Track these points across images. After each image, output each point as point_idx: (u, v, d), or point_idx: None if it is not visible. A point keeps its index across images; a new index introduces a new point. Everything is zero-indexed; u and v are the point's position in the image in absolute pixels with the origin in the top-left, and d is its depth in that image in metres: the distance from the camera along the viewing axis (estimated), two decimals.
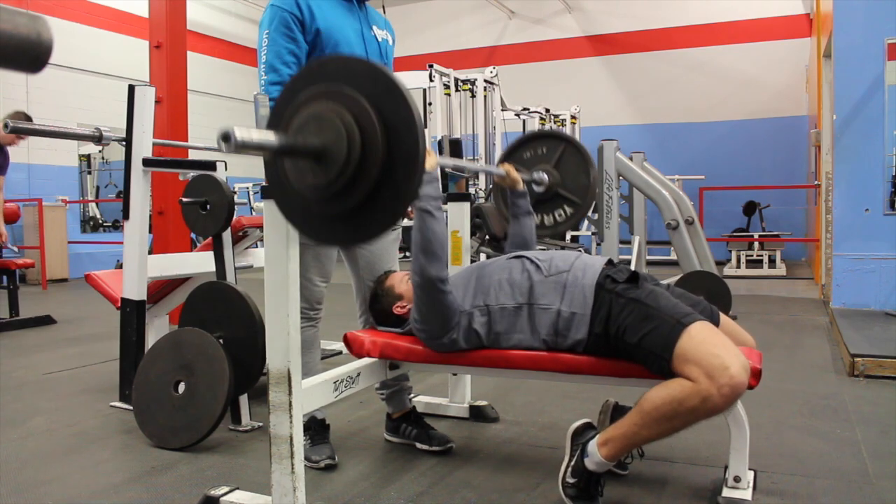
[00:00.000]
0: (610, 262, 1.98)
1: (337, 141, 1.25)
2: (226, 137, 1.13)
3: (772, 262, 8.31)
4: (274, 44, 2.08)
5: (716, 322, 1.93)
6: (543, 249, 2.17)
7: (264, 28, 2.11)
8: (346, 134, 1.24)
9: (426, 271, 1.86)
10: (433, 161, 1.91)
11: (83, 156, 9.49)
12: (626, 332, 1.73)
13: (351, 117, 1.25)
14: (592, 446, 1.75)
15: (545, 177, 2.57)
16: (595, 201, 3.06)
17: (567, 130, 9.06)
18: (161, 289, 3.30)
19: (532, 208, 2.45)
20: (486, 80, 7.04)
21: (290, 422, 1.64)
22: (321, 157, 1.26)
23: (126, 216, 2.88)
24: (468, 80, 6.88)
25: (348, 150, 1.24)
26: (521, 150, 2.67)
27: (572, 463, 1.79)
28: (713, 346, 1.60)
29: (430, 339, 1.97)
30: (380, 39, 2.29)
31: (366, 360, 2.06)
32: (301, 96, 1.33)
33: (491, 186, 7.10)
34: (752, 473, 1.94)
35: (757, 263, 8.39)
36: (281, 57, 2.08)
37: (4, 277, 5.27)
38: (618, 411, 2.10)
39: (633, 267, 4.65)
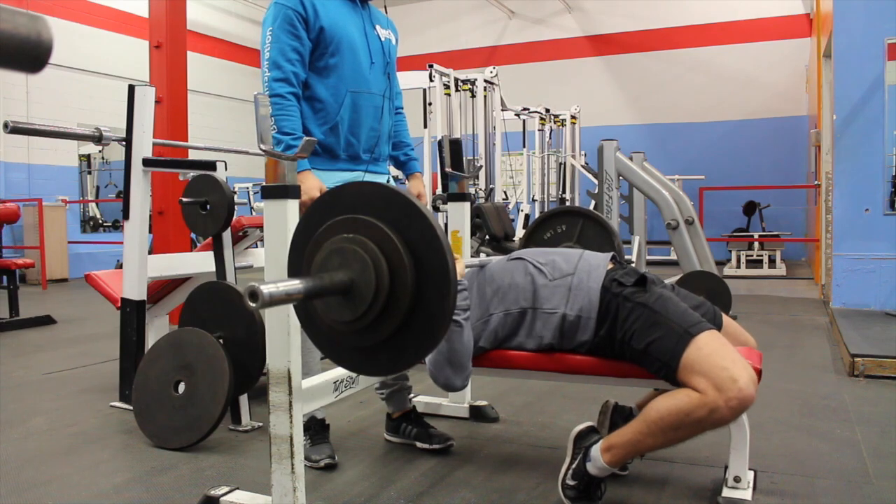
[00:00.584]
0: (614, 258, 1.96)
1: (364, 274, 1.20)
2: (253, 296, 1.09)
3: (772, 262, 8.32)
4: (277, 41, 2.08)
5: (719, 324, 1.92)
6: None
7: (268, 25, 2.11)
8: (372, 266, 1.20)
9: (451, 382, 1.81)
10: (461, 269, 1.87)
11: (83, 156, 9.50)
12: (633, 338, 1.71)
13: (375, 246, 1.21)
14: (595, 451, 1.75)
15: None
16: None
17: (567, 130, 9.06)
18: (161, 289, 3.30)
19: None
20: (486, 80, 7.03)
21: (290, 422, 1.64)
22: (348, 293, 1.22)
23: (126, 216, 2.88)
24: (468, 80, 6.88)
25: (376, 283, 1.20)
26: (539, 231, 2.67)
27: (573, 465, 1.79)
28: (721, 359, 1.59)
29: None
30: (383, 39, 2.29)
31: None
32: (320, 230, 1.28)
33: (492, 187, 7.11)
34: (752, 473, 1.94)
35: (757, 263, 8.39)
36: (285, 54, 2.08)
37: (4, 277, 5.27)
38: (617, 412, 2.10)
39: (634, 266, 4.65)
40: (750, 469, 1.91)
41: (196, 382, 2.39)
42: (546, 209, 8.84)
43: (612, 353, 1.79)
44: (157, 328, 3.29)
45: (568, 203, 9.08)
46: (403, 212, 1.23)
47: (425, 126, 6.65)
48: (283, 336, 1.64)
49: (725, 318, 1.98)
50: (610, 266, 1.90)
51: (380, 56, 2.26)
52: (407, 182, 2.49)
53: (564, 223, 2.62)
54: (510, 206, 7.73)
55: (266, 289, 1.11)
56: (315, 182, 2.08)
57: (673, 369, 1.63)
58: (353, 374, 1.95)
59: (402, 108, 2.49)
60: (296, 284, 1.18)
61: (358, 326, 1.25)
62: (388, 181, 2.46)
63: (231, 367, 2.35)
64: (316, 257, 1.27)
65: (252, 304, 1.10)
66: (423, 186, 2.49)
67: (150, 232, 3.25)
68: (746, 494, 1.83)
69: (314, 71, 2.16)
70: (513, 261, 1.99)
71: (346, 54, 2.16)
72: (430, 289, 1.21)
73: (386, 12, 2.44)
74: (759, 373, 1.69)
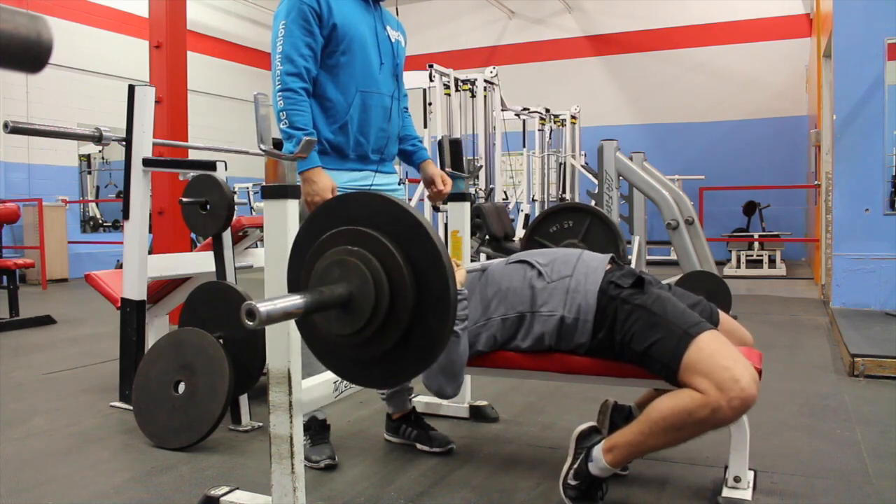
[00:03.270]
0: (613, 259, 1.97)
1: (363, 288, 1.19)
2: (250, 315, 1.08)
3: (772, 262, 8.32)
4: (290, 35, 2.07)
5: (716, 321, 1.92)
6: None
7: (281, 19, 2.10)
8: (372, 280, 1.19)
9: (444, 391, 1.83)
10: (461, 278, 1.87)
11: (83, 156, 9.49)
12: (633, 340, 1.71)
13: (376, 261, 1.19)
14: (597, 451, 1.75)
15: None
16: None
17: (567, 130, 9.06)
18: (161, 289, 3.30)
19: None
20: (486, 80, 7.03)
21: (290, 422, 1.64)
22: (347, 306, 1.21)
23: (126, 216, 2.88)
24: (468, 80, 6.88)
25: (376, 298, 1.19)
26: (546, 224, 2.66)
27: (575, 465, 1.79)
28: (723, 358, 1.59)
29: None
30: (393, 40, 2.28)
31: None
32: (324, 237, 1.27)
33: (492, 187, 7.11)
34: (752, 473, 1.94)
35: (757, 263, 8.39)
36: (297, 48, 2.07)
37: (4, 277, 5.27)
38: (617, 411, 2.10)
39: (632, 267, 4.65)
40: (750, 469, 1.91)
41: (196, 382, 2.39)
42: (545, 209, 8.83)
43: (612, 355, 1.80)
44: (157, 328, 3.29)
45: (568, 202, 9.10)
46: (410, 230, 1.21)
47: (425, 126, 6.64)
48: (283, 336, 1.64)
49: (722, 316, 1.98)
50: (608, 267, 1.90)
51: (389, 57, 2.25)
52: (420, 170, 2.45)
53: (572, 219, 2.62)
54: (510, 207, 7.73)
55: (263, 307, 1.09)
56: (328, 182, 2.05)
57: (674, 370, 1.63)
58: None
59: (408, 108, 2.48)
60: (294, 301, 1.17)
61: (355, 341, 1.24)
62: (398, 183, 2.46)
63: (231, 367, 2.35)
64: (317, 265, 1.26)
65: (249, 323, 1.09)
66: (437, 168, 2.45)
67: (150, 232, 3.25)
68: (746, 494, 1.83)
69: (324, 69, 2.14)
70: (513, 263, 1.98)
71: (357, 53, 2.15)
72: (429, 310, 1.20)
73: (397, 14, 2.43)
74: (759, 372, 1.69)
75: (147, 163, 2.87)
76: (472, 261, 2.53)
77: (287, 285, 1.40)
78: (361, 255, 1.21)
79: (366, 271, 1.20)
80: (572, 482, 1.78)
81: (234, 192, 3.35)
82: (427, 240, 1.20)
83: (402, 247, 1.21)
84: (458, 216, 2.61)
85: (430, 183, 2.41)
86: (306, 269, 1.28)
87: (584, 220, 2.59)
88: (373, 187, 2.25)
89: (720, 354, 1.60)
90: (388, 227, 1.23)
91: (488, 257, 5.09)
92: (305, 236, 1.34)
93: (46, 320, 5.18)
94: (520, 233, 8.01)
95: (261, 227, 3.26)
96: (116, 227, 9.60)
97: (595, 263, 1.90)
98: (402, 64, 2.36)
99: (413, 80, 6.40)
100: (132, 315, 2.86)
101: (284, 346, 1.64)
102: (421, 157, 2.46)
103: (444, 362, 1.78)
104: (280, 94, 2.06)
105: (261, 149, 1.61)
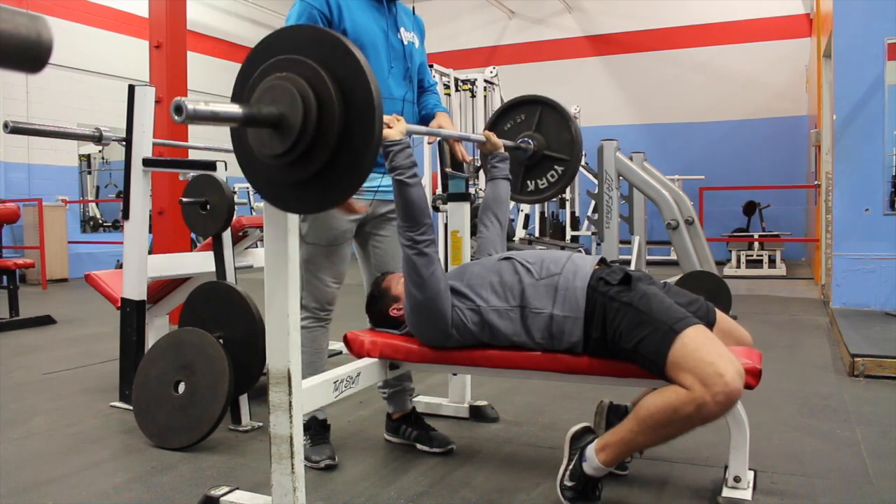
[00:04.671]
0: (602, 260, 1.97)
1: (292, 108, 1.27)
2: (177, 110, 1.16)
3: (772, 262, 8.32)
4: None
5: (712, 320, 1.92)
6: (542, 249, 2.16)
7: (290, 21, 2.09)
8: (301, 102, 1.27)
9: (412, 236, 1.89)
10: (402, 128, 1.94)
11: (83, 156, 9.49)
12: (622, 338, 1.72)
13: (308, 86, 1.28)
14: (590, 451, 1.75)
15: (529, 142, 2.60)
16: (582, 156, 3.05)
17: None
18: (161, 289, 3.30)
19: (524, 178, 2.50)
20: (486, 80, 7.03)
21: (290, 422, 1.64)
22: (279, 126, 1.29)
23: (126, 216, 2.88)
24: (468, 80, 6.88)
25: (304, 116, 1.27)
26: (500, 122, 2.69)
27: (570, 466, 1.79)
28: (707, 354, 1.59)
29: (429, 335, 1.97)
30: (405, 42, 2.27)
31: (366, 360, 2.06)
32: (261, 67, 1.35)
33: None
34: (752, 473, 1.94)
35: (757, 263, 8.39)
36: None
37: (4, 277, 5.27)
38: (613, 412, 2.10)
39: (633, 267, 4.65)
40: (750, 469, 1.91)
41: (196, 382, 2.39)
42: (545, 209, 8.84)
43: (609, 354, 1.80)
44: (157, 328, 3.29)
45: (568, 202, 9.09)
46: (332, 49, 1.31)
47: None
48: (283, 336, 1.64)
49: (721, 316, 1.98)
50: (597, 267, 1.90)
51: (399, 60, 2.23)
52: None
53: (523, 113, 2.63)
54: (510, 206, 7.72)
55: (192, 104, 1.17)
56: None
57: (661, 367, 1.64)
58: (354, 374, 1.95)
59: (434, 87, 2.47)
60: (225, 107, 1.26)
61: (288, 159, 1.32)
62: None
63: (231, 367, 2.35)
64: (252, 96, 1.35)
65: (176, 118, 1.16)
66: (450, 123, 2.43)
67: (150, 232, 3.25)
68: (746, 494, 1.84)
69: None
70: (502, 261, 2.00)
71: (369, 59, 2.13)
72: (357, 135, 1.28)
73: (414, 12, 2.41)
74: (759, 372, 1.69)
75: (147, 163, 2.87)
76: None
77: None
78: (295, 81, 1.30)
79: (293, 91, 1.28)
80: (568, 483, 1.78)
81: (234, 192, 3.35)
82: (349, 55, 1.29)
83: (330, 70, 1.29)
84: (458, 216, 2.61)
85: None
86: (248, 91, 1.37)
87: (534, 111, 2.61)
88: (380, 189, 2.25)
89: (704, 350, 1.60)
90: (325, 58, 1.31)
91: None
92: (251, 63, 1.43)
93: (46, 320, 5.18)
94: (520, 233, 8.01)
95: (261, 227, 3.26)
96: (116, 227, 9.60)
97: (583, 262, 1.91)
98: (417, 65, 2.33)
99: None
100: (132, 315, 2.86)
101: (284, 346, 1.64)
102: (438, 108, 2.42)
103: (402, 208, 1.89)
104: None
105: None
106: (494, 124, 2.69)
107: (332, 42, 1.31)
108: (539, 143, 2.61)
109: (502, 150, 2.44)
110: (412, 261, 1.90)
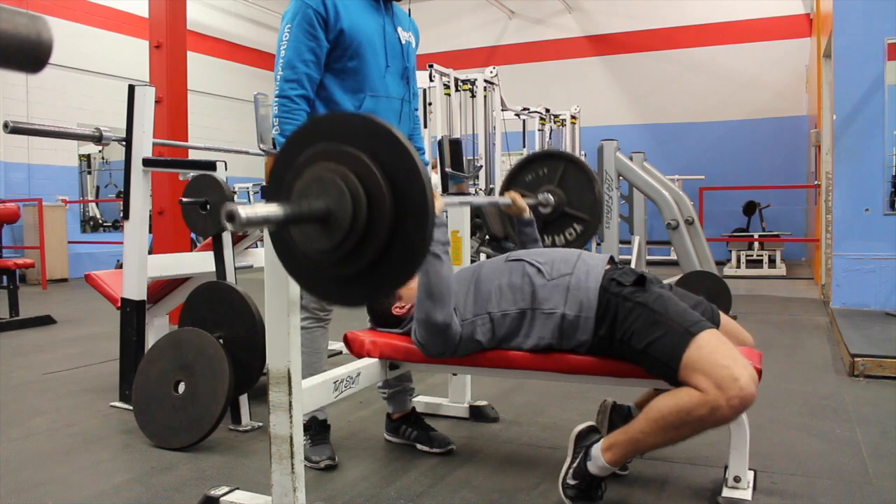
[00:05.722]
0: (611, 259, 1.97)
1: (341, 203, 1.21)
2: (230, 217, 1.11)
3: (772, 262, 8.32)
4: (295, 40, 2.06)
5: (717, 322, 1.93)
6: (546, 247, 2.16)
7: (286, 22, 2.09)
8: (350, 195, 1.21)
9: (432, 316, 1.85)
10: (440, 204, 1.89)
11: (83, 156, 9.49)
12: (633, 338, 1.72)
13: (354, 177, 1.21)
14: (596, 450, 1.75)
15: (550, 198, 2.56)
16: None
17: (567, 130, 9.06)
18: (161, 289, 3.30)
19: (541, 231, 2.45)
20: (486, 80, 7.03)
21: (290, 422, 1.64)
22: (326, 221, 1.23)
23: (126, 216, 2.88)
24: (468, 80, 6.88)
25: (354, 212, 1.20)
26: (522, 174, 2.66)
27: (574, 465, 1.79)
28: (722, 357, 1.59)
29: (430, 354, 1.97)
30: (403, 42, 2.26)
31: (366, 360, 2.06)
32: (301, 158, 1.28)
33: (492, 187, 7.10)
34: (752, 473, 1.94)
35: (757, 263, 8.39)
36: (300, 55, 2.06)
37: (4, 277, 5.27)
38: (616, 411, 2.10)
39: (632, 267, 4.65)
40: (750, 469, 1.91)
41: (196, 382, 2.39)
42: None
43: (611, 353, 1.80)
44: (157, 328, 3.29)
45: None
46: (385, 143, 1.24)
47: (425, 126, 6.64)
48: (283, 336, 1.64)
49: (723, 317, 1.99)
50: (608, 266, 1.90)
51: (397, 59, 2.23)
52: None
53: (546, 167, 2.62)
54: None
55: (244, 211, 1.12)
56: None
57: (674, 369, 1.64)
58: (354, 374, 1.95)
59: (417, 110, 2.46)
60: (274, 209, 1.20)
61: (335, 256, 1.26)
62: None
63: (231, 367, 2.35)
64: (296, 185, 1.28)
65: (229, 226, 1.12)
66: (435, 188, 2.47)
67: (150, 232, 3.25)
68: (746, 494, 1.83)
69: (332, 73, 2.13)
70: (511, 262, 1.99)
71: (365, 58, 2.13)
72: (408, 219, 1.22)
73: (410, 14, 2.41)
74: (759, 372, 1.69)
75: (147, 163, 2.87)
76: (472, 261, 2.53)
77: (260, 195, 1.42)
78: (339, 171, 1.23)
79: (343, 186, 1.21)
80: (571, 482, 1.78)
81: (234, 192, 3.35)
82: (404, 153, 1.22)
83: (379, 162, 1.22)
84: (458, 216, 2.61)
85: None
86: (286, 189, 1.30)
87: (557, 166, 2.60)
88: None
89: (720, 353, 1.60)
90: (365, 143, 1.25)
91: (488, 257, 5.09)
92: (285, 157, 1.35)
93: (46, 320, 5.18)
94: None
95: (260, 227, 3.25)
96: (116, 227, 9.60)
97: (594, 262, 1.91)
98: (413, 65, 2.33)
99: None
100: (132, 315, 2.86)
101: (284, 346, 1.64)
102: None
103: (428, 285, 1.82)
104: (276, 100, 2.08)
105: (261, 149, 1.62)
106: (517, 175, 2.68)
107: (385, 135, 1.24)
108: (559, 199, 2.58)
109: (528, 213, 2.39)
110: (441, 336, 1.88)
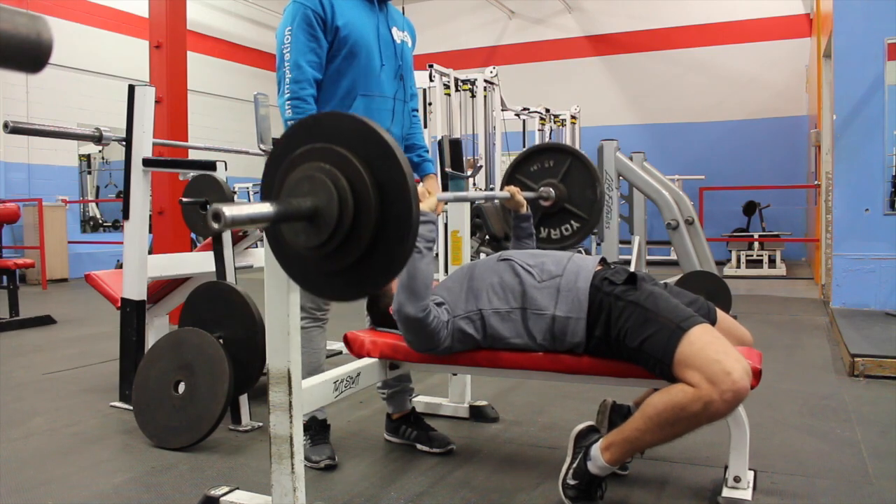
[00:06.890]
0: (603, 260, 1.97)
1: (328, 203, 1.24)
2: (216, 217, 1.12)
3: (772, 262, 8.32)
4: (297, 41, 2.07)
5: (713, 320, 1.93)
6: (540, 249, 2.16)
7: (286, 24, 2.09)
8: (337, 196, 1.23)
9: (403, 308, 1.84)
10: (431, 203, 1.90)
11: (83, 156, 9.49)
12: (627, 336, 1.72)
13: (344, 179, 1.24)
14: (595, 450, 1.75)
15: (552, 191, 2.57)
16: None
17: (567, 130, 9.05)
18: (161, 289, 3.30)
19: (538, 224, 2.45)
20: (486, 80, 7.04)
21: (290, 422, 1.64)
22: (313, 219, 1.26)
23: (126, 216, 2.88)
24: (468, 80, 6.88)
25: (340, 212, 1.23)
26: (528, 162, 2.67)
27: (574, 465, 1.79)
28: (714, 352, 1.59)
29: (417, 349, 1.97)
30: (398, 41, 2.27)
31: (366, 360, 2.06)
32: (294, 154, 1.31)
33: (492, 187, 7.10)
34: (752, 473, 1.94)
35: (757, 263, 8.39)
36: (305, 55, 2.07)
37: (4, 277, 5.27)
38: (615, 411, 2.11)
39: (633, 267, 4.66)
40: (750, 469, 1.91)
41: (196, 382, 2.39)
42: None
43: (610, 353, 1.80)
44: (157, 328, 3.29)
45: None
46: (380, 152, 1.26)
47: (425, 126, 6.64)
48: (283, 336, 1.64)
49: (723, 316, 1.99)
50: (599, 267, 1.90)
51: (391, 58, 2.23)
52: (421, 183, 2.45)
53: (553, 159, 2.62)
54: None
55: (229, 211, 1.13)
56: None
57: (667, 365, 1.64)
58: (354, 374, 1.95)
59: (417, 111, 2.46)
60: (262, 208, 1.22)
61: (319, 253, 1.29)
62: None
63: (231, 367, 2.35)
64: (289, 178, 1.31)
65: (215, 226, 1.12)
66: (437, 187, 2.46)
67: (150, 232, 3.25)
68: (746, 494, 1.84)
69: (327, 72, 2.14)
70: (501, 262, 1.99)
71: (360, 57, 2.14)
72: (391, 231, 1.25)
73: (404, 13, 2.41)
74: (759, 372, 1.69)
75: (147, 163, 2.87)
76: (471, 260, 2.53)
77: (260, 195, 1.43)
78: (330, 172, 1.25)
79: (332, 188, 1.24)
80: (571, 482, 1.78)
81: (234, 192, 3.35)
82: (395, 163, 1.24)
83: (370, 167, 1.25)
84: (458, 216, 2.61)
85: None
86: (279, 181, 1.32)
87: (564, 160, 2.59)
88: None
89: (711, 348, 1.60)
90: (359, 147, 1.27)
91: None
92: (280, 151, 1.37)
93: (46, 320, 5.18)
94: None
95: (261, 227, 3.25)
96: (116, 227, 9.60)
97: (585, 263, 1.91)
98: (409, 64, 2.34)
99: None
100: (132, 315, 2.86)
101: (284, 346, 1.64)
102: (425, 171, 2.44)
103: (405, 278, 1.82)
104: (289, 102, 2.06)
105: (261, 149, 1.62)
106: (522, 162, 2.68)
107: (379, 142, 1.26)
108: (560, 194, 2.59)
109: (525, 208, 2.40)
110: (418, 330, 1.88)
